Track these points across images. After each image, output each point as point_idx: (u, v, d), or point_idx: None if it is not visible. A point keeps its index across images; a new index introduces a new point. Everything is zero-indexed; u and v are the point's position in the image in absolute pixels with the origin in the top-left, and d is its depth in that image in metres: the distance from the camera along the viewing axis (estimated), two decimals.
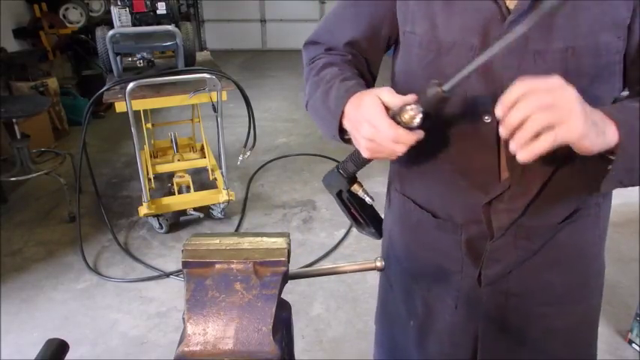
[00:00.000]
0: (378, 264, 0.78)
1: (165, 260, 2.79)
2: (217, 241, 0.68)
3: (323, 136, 0.85)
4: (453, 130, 0.84)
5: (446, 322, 1.00)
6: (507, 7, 0.77)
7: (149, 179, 3.08)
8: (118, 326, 2.33)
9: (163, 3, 2.98)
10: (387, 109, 0.74)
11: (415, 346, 1.08)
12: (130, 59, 3.13)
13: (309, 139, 4.46)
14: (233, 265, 0.64)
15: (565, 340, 0.98)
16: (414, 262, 1.03)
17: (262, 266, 0.64)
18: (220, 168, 3.07)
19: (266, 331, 0.60)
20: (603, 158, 0.71)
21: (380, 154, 0.77)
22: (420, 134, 0.73)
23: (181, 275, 1.00)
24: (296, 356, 0.75)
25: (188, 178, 3.24)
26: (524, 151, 0.66)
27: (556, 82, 0.65)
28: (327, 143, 4.34)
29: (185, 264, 0.65)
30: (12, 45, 4.46)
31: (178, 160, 3.38)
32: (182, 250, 0.66)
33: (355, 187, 0.94)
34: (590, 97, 0.74)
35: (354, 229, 3.07)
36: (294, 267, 0.69)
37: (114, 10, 2.87)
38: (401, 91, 0.92)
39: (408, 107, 0.71)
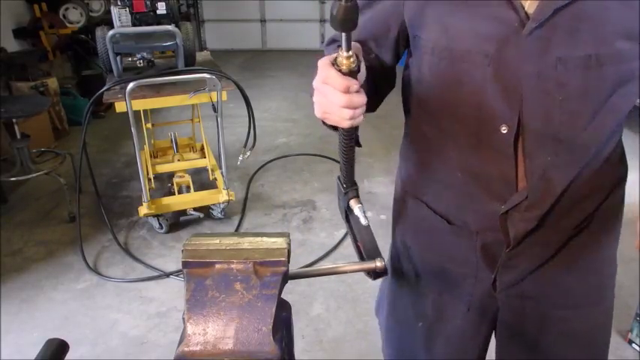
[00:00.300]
0: (379, 264, 0.78)
1: (165, 260, 2.79)
2: (217, 241, 0.68)
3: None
4: (468, 140, 0.83)
5: (456, 326, 1.00)
6: (527, 14, 0.73)
7: (149, 179, 3.08)
8: (118, 326, 2.33)
9: (163, 3, 2.97)
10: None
11: (422, 347, 1.08)
12: (130, 59, 3.12)
13: (309, 139, 4.45)
14: (233, 265, 0.64)
15: (582, 343, 0.97)
16: (426, 265, 1.02)
17: (262, 266, 0.64)
18: (220, 168, 3.07)
19: (266, 331, 0.60)
20: None
21: (326, 111, 0.73)
22: (350, 80, 0.68)
23: (181, 275, 1.00)
24: (296, 356, 0.75)
25: (188, 178, 3.24)
26: None
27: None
28: (327, 143, 4.34)
29: (185, 264, 0.65)
30: (12, 45, 4.45)
31: (178, 160, 3.38)
32: (182, 250, 0.66)
33: (352, 203, 0.90)
34: (610, 105, 0.74)
35: None
36: (294, 267, 0.69)
37: (114, 10, 2.87)
38: (413, 99, 0.91)
39: (343, 53, 0.68)
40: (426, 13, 0.81)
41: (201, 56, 3.49)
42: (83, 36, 4.92)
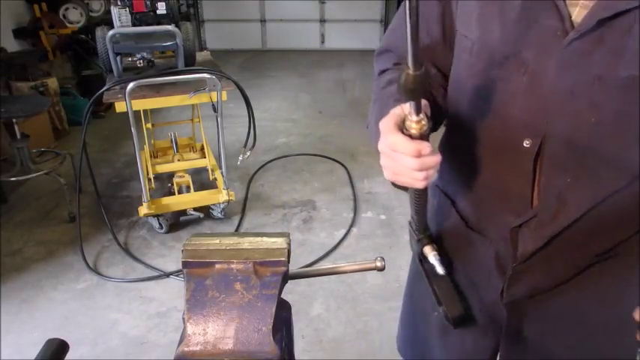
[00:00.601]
0: (378, 264, 0.78)
1: (165, 260, 2.79)
2: (217, 241, 0.68)
3: None
4: (491, 147, 0.81)
5: (470, 324, 0.99)
6: (572, 22, 0.66)
7: (149, 179, 3.08)
8: (118, 326, 2.33)
9: (163, 3, 2.97)
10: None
11: (437, 338, 1.07)
12: (130, 59, 3.12)
13: (309, 139, 4.45)
14: (233, 265, 0.64)
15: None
16: (445, 259, 1.00)
17: (262, 266, 0.64)
18: (220, 168, 3.07)
19: (266, 331, 0.60)
20: None
21: (397, 173, 0.71)
22: (422, 143, 0.66)
23: (181, 275, 1.00)
24: (296, 356, 0.75)
25: (188, 178, 3.24)
26: None
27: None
28: (327, 143, 4.34)
29: (185, 264, 0.65)
30: (12, 45, 4.45)
31: (178, 160, 3.38)
32: (182, 250, 0.66)
33: (426, 250, 0.87)
34: None
35: (354, 229, 3.09)
36: (294, 267, 0.69)
37: (114, 10, 2.87)
38: (450, 102, 0.88)
39: (407, 113, 0.67)
40: (472, 10, 0.77)
41: (201, 56, 3.48)
42: (83, 36, 4.92)
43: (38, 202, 3.40)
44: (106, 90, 2.63)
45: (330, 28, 7.98)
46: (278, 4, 7.79)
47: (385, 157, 0.71)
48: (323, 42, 8.13)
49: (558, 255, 0.81)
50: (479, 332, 0.98)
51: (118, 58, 2.77)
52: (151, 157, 3.34)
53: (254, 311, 0.61)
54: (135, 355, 2.17)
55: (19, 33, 4.57)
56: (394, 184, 0.78)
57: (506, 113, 0.75)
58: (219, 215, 3.14)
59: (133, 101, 2.55)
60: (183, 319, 0.62)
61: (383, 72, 0.94)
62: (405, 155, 0.67)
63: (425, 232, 0.90)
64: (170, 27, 2.78)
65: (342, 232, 3.04)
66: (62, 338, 0.65)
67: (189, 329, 0.60)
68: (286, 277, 0.66)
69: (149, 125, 3.26)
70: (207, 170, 3.33)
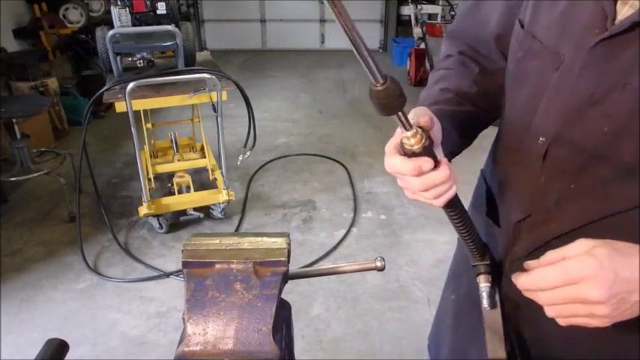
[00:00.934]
0: (378, 264, 0.78)
1: (165, 260, 2.79)
2: (217, 241, 0.68)
3: None
4: (514, 141, 0.79)
5: (479, 314, 0.96)
6: (614, 22, 0.61)
7: (149, 179, 3.08)
8: (118, 326, 2.33)
9: (163, 3, 2.97)
10: None
11: (450, 321, 1.05)
12: (130, 59, 3.12)
13: (309, 139, 4.46)
14: (233, 265, 0.64)
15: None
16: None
17: (262, 266, 0.64)
18: (220, 168, 3.07)
19: (266, 331, 0.60)
20: None
21: (413, 193, 0.68)
22: (420, 160, 0.62)
23: (181, 275, 1.00)
24: (296, 356, 0.75)
25: (188, 178, 3.24)
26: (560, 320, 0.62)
27: (584, 269, 0.57)
28: (327, 143, 4.34)
29: (185, 264, 0.65)
30: (12, 45, 4.46)
31: (178, 160, 3.38)
32: (182, 250, 0.66)
33: (480, 279, 0.81)
34: None
35: (354, 229, 3.09)
36: (294, 267, 0.69)
37: (114, 10, 2.87)
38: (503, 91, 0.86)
39: (403, 133, 0.62)
40: None
41: (201, 56, 3.49)
42: (83, 36, 4.92)
43: (38, 202, 3.40)
44: (106, 90, 2.63)
45: (330, 28, 7.98)
46: (278, 4, 7.79)
47: (398, 180, 0.69)
48: (323, 42, 8.13)
49: None
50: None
51: (118, 58, 2.78)
52: (151, 157, 3.34)
53: (254, 311, 0.61)
54: (135, 355, 2.17)
55: (19, 33, 4.57)
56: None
57: (533, 106, 0.73)
58: (219, 215, 3.14)
59: (133, 101, 2.55)
60: (183, 319, 0.62)
61: (446, 57, 0.92)
62: (407, 176, 0.64)
63: (483, 257, 0.81)
64: (170, 27, 2.78)
65: (342, 232, 3.04)
66: (62, 338, 0.65)
67: (189, 329, 0.60)
68: (286, 277, 0.66)
69: (149, 125, 3.26)
70: (207, 170, 3.33)
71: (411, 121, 0.61)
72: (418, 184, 0.63)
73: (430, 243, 2.89)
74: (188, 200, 3.06)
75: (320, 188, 3.59)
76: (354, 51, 0.53)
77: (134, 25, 2.91)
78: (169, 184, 3.31)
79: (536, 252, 0.77)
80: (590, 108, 0.65)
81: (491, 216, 0.91)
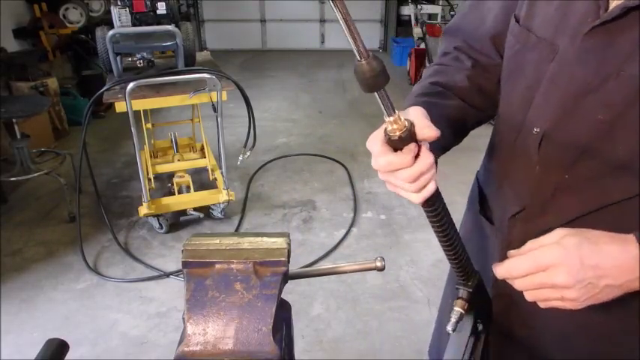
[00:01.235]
0: (378, 264, 0.78)
1: (165, 260, 2.79)
2: (217, 241, 0.68)
3: None
4: (509, 134, 0.79)
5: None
6: (607, 10, 0.63)
7: (149, 179, 3.08)
8: (118, 326, 2.33)
9: (163, 3, 2.97)
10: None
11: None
12: (130, 59, 3.12)
13: (309, 139, 4.45)
14: (233, 265, 0.64)
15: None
16: (469, 240, 0.94)
17: (262, 266, 0.64)
18: (220, 168, 3.07)
19: (266, 331, 0.60)
20: None
21: (394, 185, 0.66)
22: (405, 154, 0.61)
23: (181, 275, 1.00)
24: (296, 356, 0.75)
25: (188, 178, 3.24)
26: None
27: (551, 257, 0.61)
28: (327, 143, 4.34)
29: (185, 264, 0.65)
30: (12, 45, 4.45)
31: (178, 160, 3.38)
32: (182, 250, 0.66)
33: (456, 303, 0.78)
34: None
35: (354, 229, 3.09)
36: (294, 267, 0.69)
37: (114, 10, 2.87)
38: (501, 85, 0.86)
39: (385, 118, 0.61)
40: None
41: (201, 56, 3.49)
42: (83, 36, 4.92)
43: (38, 202, 3.40)
44: (106, 90, 2.63)
45: (330, 28, 7.98)
46: (278, 4, 7.79)
47: (380, 173, 0.67)
48: (323, 42, 8.14)
49: None
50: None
51: (118, 58, 2.78)
52: (151, 157, 3.34)
53: (254, 311, 0.61)
54: (135, 355, 2.17)
55: (19, 33, 4.57)
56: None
57: (529, 98, 0.73)
58: (219, 215, 3.14)
59: (133, 101, 2.55)
60: (183, 319, 0.62)
61: (442, 55, 0.91)
62: (400, 171, 0.63)
63: (467, 280, 0.78)
64: (170, 27, 2.78)
65: (342, 232, 3.04)
66: (62, 338, 0.65)
67: (189, 329, 0.60)
68: (286, 277, 0.66)
69: (149, 125, 3.26)
70: (207, 170, 3.33)
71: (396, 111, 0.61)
72: (407, 175, 0.62)
73: (430, 243, 2.89)
74: (188, 200, 3.06)
75: (320, 188, 3.59)
76: (343, 25, 0.54)
77: (134, 25, 2.91)
78: (169, 184, 3.31)
79: None
80: (587, 96, 0.66)
81: (484, 214, 0.91)
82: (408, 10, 6.37)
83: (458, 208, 1.00)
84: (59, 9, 4.88)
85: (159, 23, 2.97)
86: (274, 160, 4.03)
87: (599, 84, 0.64)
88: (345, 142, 4.33)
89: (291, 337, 0.71)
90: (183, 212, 3.09)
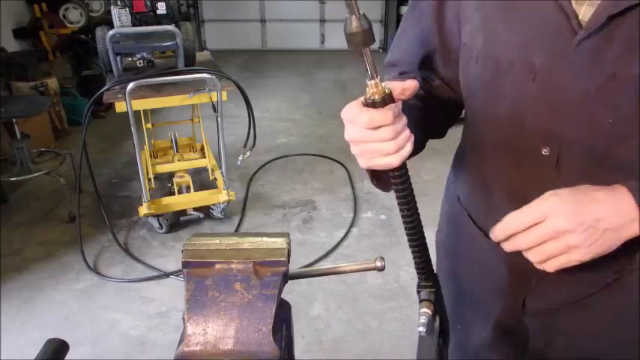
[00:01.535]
0: (378, 264, 0.78)
1: (165, 260, 2.79)
2: (217, 241, 0.68)
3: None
4: (508, 158, 0.78)
5: (481, 340, 0.95)
6: (579, 22, 0.64)
7: (149, 179, 3.08)
8: (118, 326, 2.33)
9: (163, 3, 2.97)
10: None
11: (457, 346, 1.04)
12: (130, 59, 3.12)
13: (309, 139, 4.45)
14: (233, 265, 0.64)
15: None
16: (466, 272, 0.97)
17: (262, 266, 0.64)
18: (220, 168, 3.07)
19: (266, 331, 0.60)
20: None
21: (373, 155, 0.66)
22: (387, 110, 0.62)
23: (181, 275, 1.00)
24: (296, 356, 0.75)
25: (188, 178, 3.24)
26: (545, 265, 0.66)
27: (548, 206, 0.63)
28: (327, 143, 4.34)
29: (185, 264, 0.65)
30: (12, 45, 4.46)
31: (178, 160, 3.38)
32: (182, 250, 0.66)
33: (422, 305, 0.78)
34: None
35: (354, 229, 3.09)
36: (294, 267, 0.69)
37: (114, 10, 2.87)
38: (468, 111, 0.85)
39: (367, 81, 0.63)
40: (470, 15, 0.75)
41: (201, 56, 3.49)
42: (83, 36, 4.92)
43: (38, 202, 3.40)
44: (106, 90, 2.64)
45: (330, 28, 7.98)
46: (278, 4, 7.79)
47: (356, 144, 0.67)
48: (323, 42, 8.14)
49: (580, 268, 0.75)
50: (494, 349, 0.94)
51: (118, 58, 2.78)
52: (151, 157, 3.34)
53: (254, 311, 0.61)
54: (135, 355, 2.17)
55: (19, 33, 4.57)
56: (377, 185, 0.76)
57: (521, 121, 0.73)
58: (219, 215, 3.14)
59: (133, 101, 2.55)
60: (184, 319, 0.62)
61: None
62: (381, 129, 0.64)
63: (426, 283, 0.79)
64: (170, 27, 2.78)
65: (342, 232, 3.04)
66: (62, 338, 0.65)
67: (189, 329, 0.60)
68: (286, 277, 0.66)
69: (149, 125, 3.25)
70: (207, 170, 3.33)
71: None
72: (389, 131, 0.63)
73: (430, 243, 2.88)
74: (188, 200, 3.06)
75: (320, 188, 3.59)
76: None
77: (134, 25, 2.91)
78: (169, 184, 3.31)
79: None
80: (589, 104, 0.66)
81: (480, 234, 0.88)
82: None
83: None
84: (59, 9, 4.88)
85: (159, 23, 2.97)
86: (274, 160, 4.03)
87: (598, 90, 0.65)
88: (345, 142, 4.25)
89: (291, 337, 0.71)
90: (183, 212, 3.09)
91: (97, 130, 4.49)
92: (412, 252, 0.78)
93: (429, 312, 0.77)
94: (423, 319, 0.76)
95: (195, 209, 3.08)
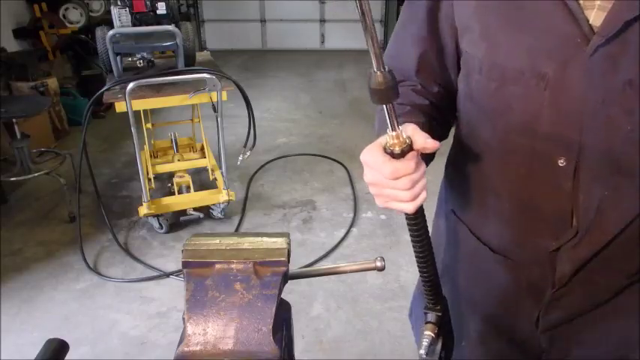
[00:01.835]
0: (378, 264, 0.78)
1: (165, 260, 2.79)
2: (217, 241, 0.68)
3: None
4: (519, 170, 0.75)
5: (494, 354, 0.93)
6: (591, 27, 0.61)
7: (149, 179, 3.08)
8: (118, 326, 2.33)
9: (163, 3, 2.97)
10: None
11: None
12: (130, 59, 3.12)
13: (309, 139, 4.45)
14: (233, 265, 0.64)
15: None
16: (470, 288, 0.95)
17: (262, 266, 0.64)
18: (220, 168, 3.07)
19: (266, 331, 0.60)
20: None
21: (389, 200, 0.68)
22: (409, 161, 0.64)
23: (181, 275, 1.00)
24: (296, 356, 0.75)
25: (188, 178, 3.24)
26: None
27: None
28: (328, 143, 4.34)
29: (185, 264, 0.65)
30: (12, 45, 4.45)
31: (178, 160, 3.38)
32: (182, 250, 0.66)
33: (426, 327, 0.79)
34: None
35: (354, 229, 3.09)
36: (294, 267, 0.69)
37: (114, 10, 2.87)
38: (462, 115, 0.83)
39: (388, 132, 0.64)
40: (473, 25, 0.72)
41: (201, 56, 3.49)
42: (83, 36, 4.92)
43: (38, 202, 3.40)
44: (106, 90, 2.64)
45: (330, 28, 7.98)
46: (278, 4, 7.79)
47: (374, 186, 0.69)
48: (323, 42, 8.13)
49: (598, 275, 0.76)
50: None
51: (118, 58, 2.78)
52: (151, 157, 3.34)
53: (254, 311, 0.61)
54: (135, 355, 2.17)
55: (19, 33, 4.57)
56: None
57: (533, 132, 0.70)
58: (219, 215, 3.14)
59: (133, 101, 2.55)
60: (184, 319, 0.62)
61: None
62: (401, 180, 0.65)
63: (436, 304, 0.80)
64: (170, 27, 2.78)
65: (342, 232, 3.04)
66: (62, 338, 0.65)
67: (189, 329, 0.60)
68: (286, 277, 0.66)
69: (149, 125, 3.25)
70: (207, 170, 3.33)
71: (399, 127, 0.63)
72: (407, 181, 0.64)
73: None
74: (188, 200, 3.06)
75: (320, 188, 3.59)
76: (367, 37, 0.57)
77: (134, 25, 2.90)
78: (169, 184, 3.31)
79: (583, 268, 0.75)
80: (606, 112, 0.64)
81: (499, 253, 0.85)
82: None
83: None
84: (59, 9, 4.88)
85: (159, 23, 2.97)
86: (274, 160, 4.03)
87: (616, 97, 0.63)
88: (345, 142, 4.33)
89: (291, 337, 0.71)
90: (183, 212, 3.09)
91: (97, 130, 4.49)
92: (422, 280, 0.79)
93: (432, 335, 0.78)
94: (425, 342, 0.77)
95: (195, 209, 3.08)
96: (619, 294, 0.77)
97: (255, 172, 3.80)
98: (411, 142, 0.65)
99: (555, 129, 0.68)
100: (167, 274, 2.66)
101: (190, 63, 2.98)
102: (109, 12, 3.19)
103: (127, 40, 2.78)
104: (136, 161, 2.79)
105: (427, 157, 0.72)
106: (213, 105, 2.79)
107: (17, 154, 3.20)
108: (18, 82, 4.11)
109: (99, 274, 2.67)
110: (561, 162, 0.69)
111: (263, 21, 8.00)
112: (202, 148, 3.55)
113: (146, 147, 3.33)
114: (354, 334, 2.28)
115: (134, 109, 2.60)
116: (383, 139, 0.66)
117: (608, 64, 0.62)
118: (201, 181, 3.60)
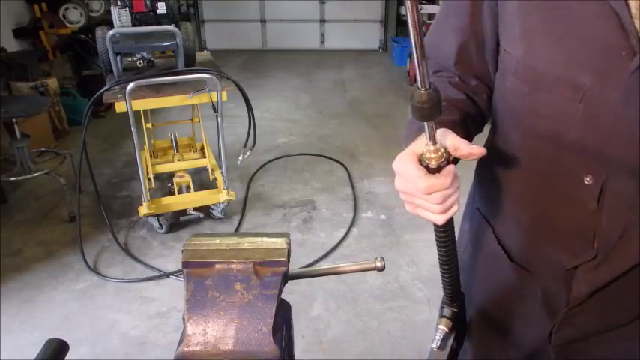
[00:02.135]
0: (378, 264, 0.78)
1: (165, 260, 2.79)
2: (217, 241, 0.68)
3: None
4: (543, 182, 0.72)
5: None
6: (639, 39, 0.56)
7: (149, 179, 3.08)
8: (118, 326, 2.33)
9: (163, 3, 2.97)
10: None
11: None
12: (130, 59, 3.12)
13: (309, 139, 4.45)
14: (233, 265, 0.64)
15: None
16: (484, 291, 0.93)
17: (262, 266, 0.64)
18: (220, 168, 3.07)
19: (266, 331, 0.60)
20: None
21: (420, 209, 0.67)
22: (445, 177, 0.62)
23: (181, 275, 1.00)
24: (296, 356, 0.75)
25: (188, 178, 3.24)
26: None
27: None
28: (328, 143, 4.34)
29: (185, 264, 0.65)
30: (12, 45, 4.45)
31: (178, 160, 3.38)
32: (182, 250, 0.66)
33: (441, 321, 0.81)
34: None
35: (354, 229, 3.09)
36: (294, 267, 0.69)
37: (114, 10, 2.87)
38: (496, 116, 0.80)
39: (427, 144, 0.62)
40: (513, 21, 0.69)
41: (201, 56, 3.49)
42: (83, 36, 4.92)
43: (38, 202, 3.40)
44: (106, 90, 2.64)
45: (330, 28, 7.98)
46: (278, 4, 7.79)
47: (405, 195, 0.67)
48: (323, 42, 8.13)
49: (615, 298, 0.73)
50: None
51: (118, 58, 2.77)
52: (151, 157, 3.34)
53: (254, 311, 0.61)
54: (135, 355, 2.17)
55: (19, 33, 4.57)
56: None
57: (562, 144, 0.67)
58: (219, 215, 3.14)
59: (133, 101, 2.55)
60: (183, 319, 0.62)
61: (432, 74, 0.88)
62: (433, 196, 0.64)
63: (453, 301, 0.81)
64: (170, 27, 2.78)
65: (342, 232, 3.04)
66: (62, 338, 0.65)
67: (189, 329, 0.60)
68: (286, 277, 0.66)
69: (149, 125, 3.26)
70: (207, 170, 3.33)
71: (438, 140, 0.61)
72: (440, 196, 0.63)
73: (430, 243, 2.88)
74: (188, 200, 3.06)
75: (320, 188, 3.59)
76: (415, 52, 0.55)
77: (134, 25, 2.90)
78: (169, 184, 3.31)
79: (601, 291, 0.73)
80: None
81: (517, 262, 0.84)
82: None
83: None
84: (59, 9, 4.88)
85: (159, 23, 2.97)
86: (274, 160, 4.03)
87: None
88: (345, 142, 4.33)
89: (291, 337, 0.71)
90: (183, 212, 3.09)
91: (97, 130, 4.49)
92: (442, 280, 0.79)
93: (446, 329, 0.79)
94: (439, 335, 0.78)
95: (195, 209, 3.08)
96: (634, 320, 0.75)
97: (255, 172, 3.80)
98: (449, 155, 0.63)
99: (586, 145, 0.64)
100: (167, 274, 2.66)
101: (190, 63, 2.98)
102: (109, 12, 3.19)
103: (127, 40, 2.78)
104: (136, 161, 2.79)
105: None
106: (213, 105, 2.79)
107: (17, 154, 3.20)
108: (18, 82, 4.11)
109: (99, 274, 2.67)
110: (587, 180, 0.66)
111: (263, 21, 8.00)
112: (202, 148, 3.55)
113: (146, 147, 3.33)
114: (354, 334, 2.28)
115: (134, 109, 2.60)
116: (419, 149, 0.64)
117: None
118: (201, 181, 3.60)
